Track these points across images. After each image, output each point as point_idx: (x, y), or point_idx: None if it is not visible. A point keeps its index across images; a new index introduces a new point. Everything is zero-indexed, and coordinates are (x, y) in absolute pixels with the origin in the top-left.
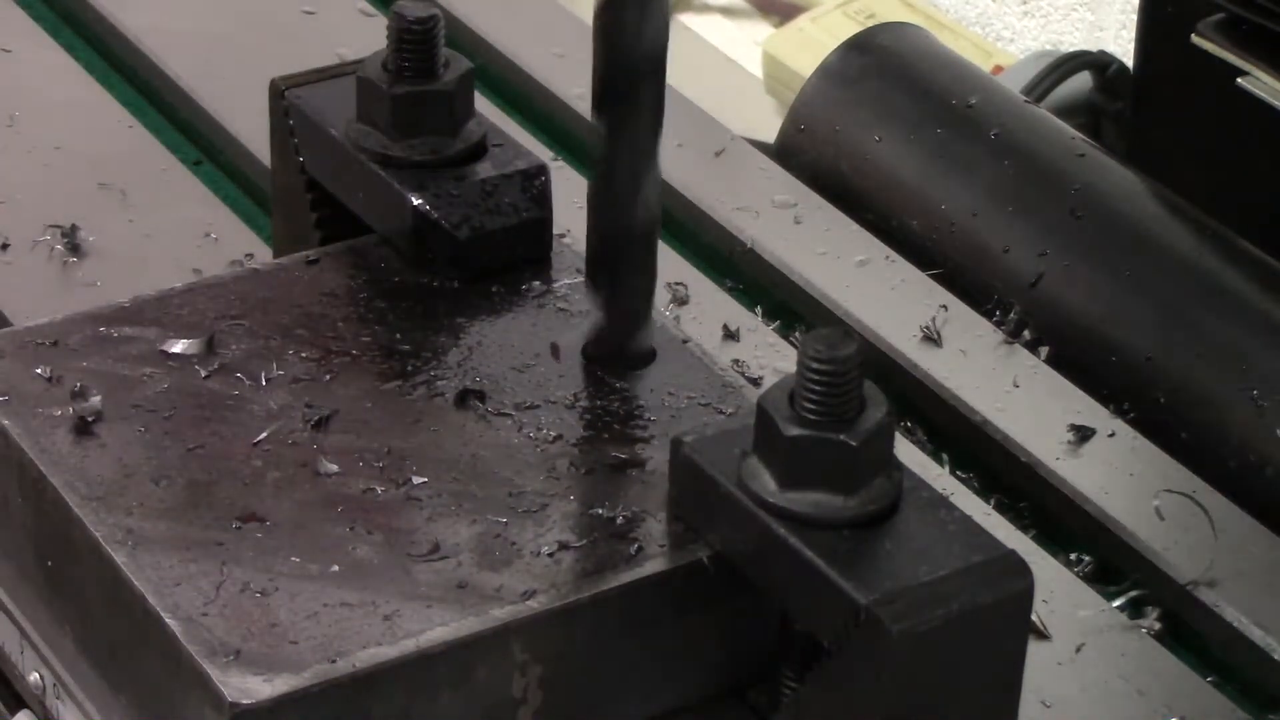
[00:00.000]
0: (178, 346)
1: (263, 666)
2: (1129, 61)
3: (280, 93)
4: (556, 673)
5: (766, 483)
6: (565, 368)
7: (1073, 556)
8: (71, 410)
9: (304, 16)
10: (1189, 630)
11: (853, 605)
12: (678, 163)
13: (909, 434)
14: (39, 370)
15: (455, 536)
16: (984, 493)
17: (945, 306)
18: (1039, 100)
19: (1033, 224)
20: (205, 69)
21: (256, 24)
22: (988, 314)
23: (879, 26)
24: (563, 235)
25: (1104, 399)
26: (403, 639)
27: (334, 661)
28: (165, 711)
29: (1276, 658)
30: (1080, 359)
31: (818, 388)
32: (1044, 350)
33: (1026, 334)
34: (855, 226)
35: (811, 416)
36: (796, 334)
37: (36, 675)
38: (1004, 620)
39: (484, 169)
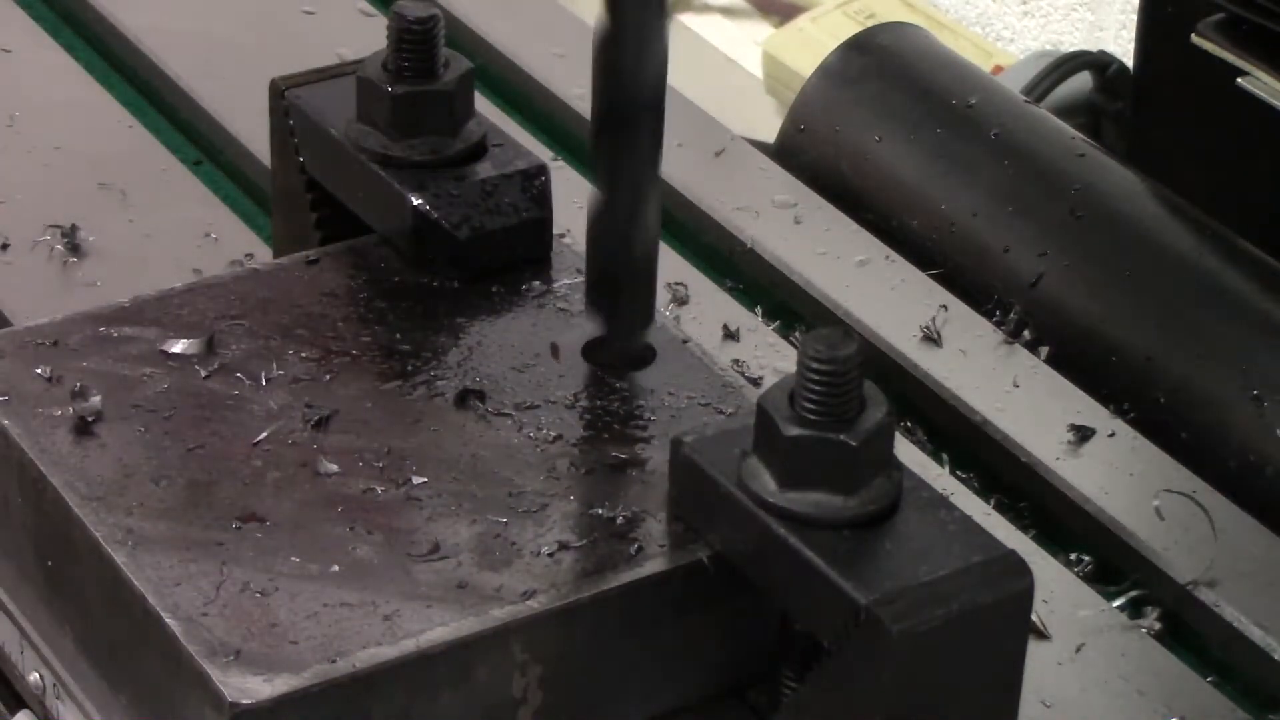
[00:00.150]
0: (178, 346)
1: (263, 666)
2: (1129, 61)
3: (280, 93)
4: (556, 673)
5: (766, 483)
6: (565, 368)
7: (1073, 556)
8: (71, 410)
9: (304, 16)
10: (1189, 630)
11: (853, 605)
12: (678, 163)
13: (909, 434)
14: (39, 370)
15: (455, 536)
16: (984, 493)
17: (945, 306)
18: (1039, 100)
19: (1033, 224)
20: (205, 69)
21: (256, 24)
22: (988, 314)
23: (879, 26)
24: (563, 235)
25: (1104, 399)
26: (403, 639)
27: (334, 661)
28: (165, 711)
29: (1276, 658)
30: (1080, 359)
31: (818, 388)
32: (1044, 350)
33: (1026, 334)
34: (855, 226)
35: (811, 416)
36: (796, 334)
37: (36, 675)
38: (1004, 620)
39: (484, 169)
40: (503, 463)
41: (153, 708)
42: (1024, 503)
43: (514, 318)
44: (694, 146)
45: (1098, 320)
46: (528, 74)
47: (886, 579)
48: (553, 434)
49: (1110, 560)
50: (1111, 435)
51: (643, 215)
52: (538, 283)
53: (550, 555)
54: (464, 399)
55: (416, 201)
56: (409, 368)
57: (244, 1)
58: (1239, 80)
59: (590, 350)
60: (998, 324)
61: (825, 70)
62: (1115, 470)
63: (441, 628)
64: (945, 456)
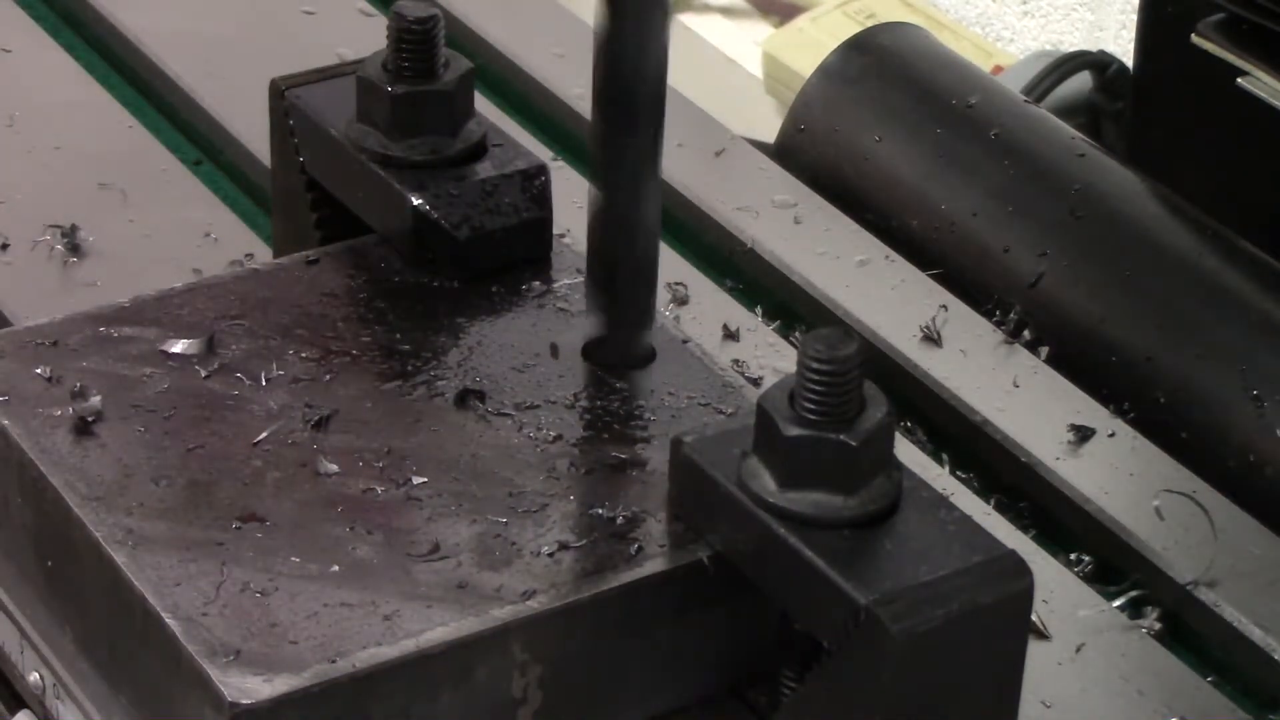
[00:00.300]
0: (178, 346)
1: (263, 666)
2: (1129, 61)
3: (280, 93)
4: (556, 673)
5: (766, 483)
6: (565, 368)
7: (1073, 556)
8: (71, 410)
9: (304, 16)
10: (1189, 630)
11: (853, 605)
12: (678, 163)
13: (909, 434)
14: (39, 370)
15: (455, 536)
16: (984, 493)
17: (945, 306)
18: (1039, 100)
19: (1033, 224)
20: (205, 69)
21: (256, 24)
22: (988, 314)
23: (879, 26)
24: (563, 235)
25: (1104, 399)
26: (403, 639)
27: (334, 661)
28: (165, 711)
29: (1276, 658)
30: (1080, 359)
31: (818, 388)
32: (1044, 350)
33: (1026, 334)
34: (855, 226)
35: (811, 416)
36: (796, 334)
37: (36, 675)
38: (1004, 620)
39: (484, 169)
40: (503, 463)
41: (153, 708)
42: (1024, 503)
43: (514, 318)
44: (694, 146)
45: (1097, 320)
46: (528, 74)
47: (886, 579)
48: (553, 434)
49: (1110, 560)
50: (1111, 435)
51: (643, 215)
52: (538, 283)
53: (550, 555)
54: (464, 399)
55: (416, 201)
56: (409, 368)
57: (244, 1)
58: (1239, 80)
59: (590, 350)
60: (997, 324)
61: (825, 70)
62: (1115, 470)
63: (441, 628)
64: (945, 456)
